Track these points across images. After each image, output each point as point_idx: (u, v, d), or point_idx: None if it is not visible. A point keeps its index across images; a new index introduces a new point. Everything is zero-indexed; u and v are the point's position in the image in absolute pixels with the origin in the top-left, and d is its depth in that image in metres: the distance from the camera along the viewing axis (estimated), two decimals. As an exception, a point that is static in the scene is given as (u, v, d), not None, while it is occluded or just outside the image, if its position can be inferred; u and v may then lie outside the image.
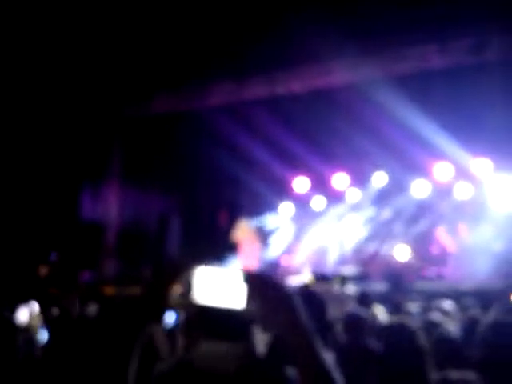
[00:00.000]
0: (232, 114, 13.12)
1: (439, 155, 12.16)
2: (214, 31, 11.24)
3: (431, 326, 4.30)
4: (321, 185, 14.13)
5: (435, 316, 5.40)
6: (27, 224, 12.37)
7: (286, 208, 14.60)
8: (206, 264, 1.56)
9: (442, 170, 12.78)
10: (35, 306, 5.55)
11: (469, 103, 11.32)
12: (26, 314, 5.10)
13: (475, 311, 5.88)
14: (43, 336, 4.94)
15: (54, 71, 12.01)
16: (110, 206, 14.36)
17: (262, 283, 1.51)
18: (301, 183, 14.34)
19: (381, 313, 5.95)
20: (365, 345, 3.94)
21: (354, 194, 13.99)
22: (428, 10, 10.18)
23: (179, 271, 1.59)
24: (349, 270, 11.69)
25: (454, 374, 2.15)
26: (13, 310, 5.08)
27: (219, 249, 9.43)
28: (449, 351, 3.50)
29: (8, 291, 7.88)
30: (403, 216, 13.28)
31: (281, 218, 14.54)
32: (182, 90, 13.35)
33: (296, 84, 12.72)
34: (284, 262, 13.46)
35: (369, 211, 13.82)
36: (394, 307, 6.80)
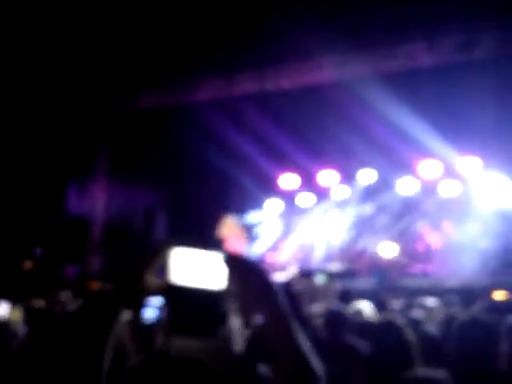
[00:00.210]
0: (221, 109, 13.10)
1: (427, 153, 12.19)
2: (203, 26, 11.20)
3: (412, 324, 4.30)
4: (308, 181, 14.13)
5: (417, 313, 5.41)
6: (12, 218, 12.30)
7: (273, 204, 14.59)
8: (186, 245, 1.49)
9: (428, 168, 12.82)
10: (15, 301, 5.50)
11: (457, 101, 11.34)
12: (5, 308, 5.05)
13: (456, 308, 5.90)
14: (23, 331, 4.90)
15: (42, 66, 11.93)
16: (96, 201, 14.29)
17: (244, 266, 1.46)
18: (288, 180, 14.34)
19: (367, 309, 5.94)
20: (344, 341, 3.94)
21: (340, 191, 14.01)
22: (417, 8, 10.20)
23: (156, 251, 1.51)
24: (335, 266, 11.70)
25: (423, 372, 2.14)
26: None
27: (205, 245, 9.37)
28: (428, 349, 3.51)
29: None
30: (389, 213, 13.31)
31: (267, 214, 14.53)
32: (170, 84, 13.30)
33: (285, 80, 12.71)
34: (270, 259, 13.45)
35: (355, 208, 13.83)
36: (379, 304, 6.80)
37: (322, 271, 11.09)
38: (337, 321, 4.07)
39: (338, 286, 9.84)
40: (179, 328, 1.80)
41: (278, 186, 14.37)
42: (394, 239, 12.68)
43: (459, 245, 11.63)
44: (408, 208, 13.16)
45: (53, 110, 12.83)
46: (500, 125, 11.16)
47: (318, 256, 13.48)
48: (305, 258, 13.37)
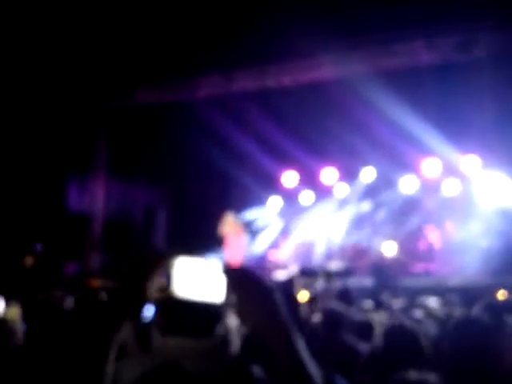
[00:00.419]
0: (221, 106, 13.09)
1: (428, 151, 12.17)
2: (203, 22, 11.17)
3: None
4: (309, 179, 14.12)
5: (417, 314, 5.39)
6: (13, 214, 12.30)
7: (274, 202, 14.57)
8: (187, 254, 1.50)
9: (430, 166, 12.81)
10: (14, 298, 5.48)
11: (458, 100, 11.35)
12: (2, 304, 5.03)
13: (457, 308, 5.88)
14: (21, 328, 4.87)
15: (39, 63, 11.92)
16: (96, 198, 14.29)
17: (242, 277, 1.47)
18: (289, 177, 14.32)
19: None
20: (342, 341, 3.92)
21: (342, 189, 13.99)
22: (416, 6, 10.18)
23: (159, 261, 1.51)
24: (335, 265, 11.68)
25: (414, 375, 2.13)
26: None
27: (206, 242, 9.39)
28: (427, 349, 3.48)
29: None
30: (391, 211, 13.28)
31: (268, 212, 14.52)
32: (168, 81, 13.28)
33: (285, 78, 12.69)
34: (271, 257, 13.44)
35: (357, 206, 13.82)
36: (378, 303, 6.79)
37: (324, 270, 11.08)
38: (335, 320, 4.05)
39: (339, 284, 9.82)
40: (173, 329, 1.79)
41: (279, 184, 14.35)
42: (395, 238, 12.66)
43: (461, 244, 11.63)
44: (409, 206, 13.14)
45: (53, 106, 12.82)
46: (500, 124, 11.16)
47: (318, 254, 13.47)
48: (305, 256, 13.36)
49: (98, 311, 1.50)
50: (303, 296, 7.39)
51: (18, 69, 11.80)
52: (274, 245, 14.05)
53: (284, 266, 12.05)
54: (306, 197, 14.33)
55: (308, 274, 10.89)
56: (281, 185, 14.39)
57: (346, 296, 5.88)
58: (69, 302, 5.43)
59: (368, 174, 13.63)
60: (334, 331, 3.94)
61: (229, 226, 10.61)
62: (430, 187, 13.07)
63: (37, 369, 3.27)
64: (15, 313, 5.17)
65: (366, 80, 11.04)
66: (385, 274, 10.70)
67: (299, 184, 14.32)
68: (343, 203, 13.97)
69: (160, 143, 14.08)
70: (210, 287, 1.49)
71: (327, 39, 10.21)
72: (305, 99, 12.94)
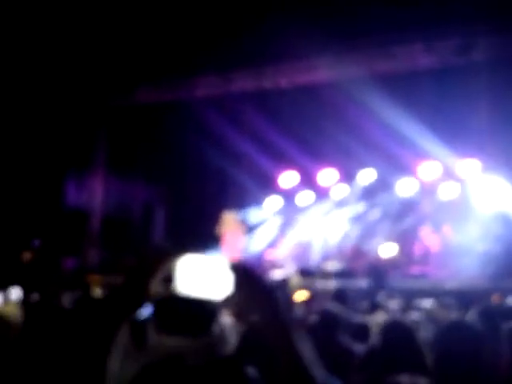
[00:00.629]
0: (219, 106, 13.10)
1: (426, 155, 12.18)
2: (201, 22, 11.18)
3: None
4: (308, 180, 14.12)
5: (413, 316, 5.40)
6: (11, 210, 12.30)
7: (272, 202, 14.58)
8: (190, 252, 1.50)
9: (427, 170, 12.81)
10: (15, 292, 5.49)
11: (456, 103, 11.35)
12: (0, 299, 5.05)
13: (453, 311, 5.89)
14: (19, 323, 4.88)
15: (39, 61, 11.92)
16: (94, 194, 14.31)
17: (248, 274, 1.48)
18: (288, 178, 14.33)
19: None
20: (339, 342, 3.94)
21: (340, 190, 14.00)
22: (415, 10, 10.18)
23: (163, 259, 1.51)
24: (333, 265, 11.69)
25: (406, 379, 2.14)
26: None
27: (203, 240, 9.40)
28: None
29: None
30: (388, 214, 13.30)
31: (266, 211, 14.53)
32: (167, 80, 13.31)
33: (283, 79, 12.73)
34: (268, 256, 13.45)
35: (354, 208, 13.83)
36: (374, 305, 6.80)
37: (321, 270, 11.09)
38: (331, 321, 4.06)
39: (336, 285, 9.84)
40: (169, 328, 1.79)
41: (276, 184, 14.36)
42: (392, 240, 12.67)
43: (458, 247, 11.62)
44: (407, 209, 13.15)
45: (52, 102, 12.82)
46: (498, 127, 11.17)
47: (315, 254, 13.48)
48: (302, 256, 13.37)
49: (100, 309, 1.51)
50: (300, 296, 7.41)
51: (19, 68, 11.80)
52: (272, 244, 14.06)
53: (281, 266, 12.05)
54: (304, 197, 14.34)
55: (305, 274, 10.91)
56: (278, 185, 14.40)
57: (342, 297, 5.89)
58: (66, 298, 5.44)
59: (366, 176, 13.64)
60: (330, 332, 3.95)
61: (228, 223, 10.61)
62: (427, 190, 13.08)
63: (35, 365, 3.27)
64: (13, 307, 5.18)
65: (364, 82, 11.05)
66: (381, 276, 10.70)
67: (298, 184, 14.33)
68: (341, 204, 13.98)
69: (158, 141, 14.10)
70: (213, 284, 1.49)
71: (326, 41, 10.23)
72: (302, 100, 12.95)
